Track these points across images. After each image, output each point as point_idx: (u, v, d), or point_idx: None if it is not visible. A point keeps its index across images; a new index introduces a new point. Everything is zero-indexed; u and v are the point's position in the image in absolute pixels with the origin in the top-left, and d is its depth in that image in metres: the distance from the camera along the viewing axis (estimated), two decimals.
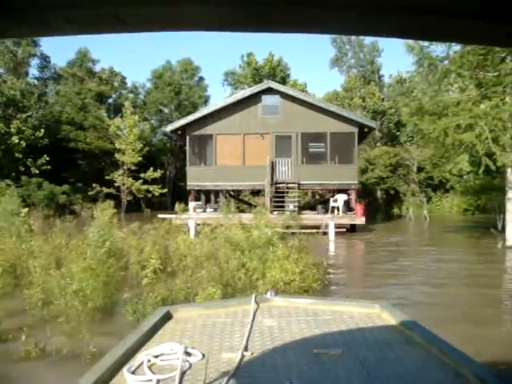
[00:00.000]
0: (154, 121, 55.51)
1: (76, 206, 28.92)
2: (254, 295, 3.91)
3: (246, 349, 2.90)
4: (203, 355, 2.78)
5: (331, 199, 26.71)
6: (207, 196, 29.90)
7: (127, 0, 1.06)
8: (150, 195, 43.16)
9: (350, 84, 56.59)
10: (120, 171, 42.92)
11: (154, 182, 43.53)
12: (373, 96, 53.90)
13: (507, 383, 2.97)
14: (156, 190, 43.09)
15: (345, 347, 2.93)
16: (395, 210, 45.79)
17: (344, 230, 24.94)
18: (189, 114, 31.49)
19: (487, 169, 18.98)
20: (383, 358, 2.78)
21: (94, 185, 40.21)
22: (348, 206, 26.64)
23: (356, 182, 27.38)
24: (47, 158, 39.30)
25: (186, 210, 22.80)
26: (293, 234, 13.78)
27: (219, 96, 70.69)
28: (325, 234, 23.04)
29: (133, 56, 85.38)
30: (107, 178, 42.24)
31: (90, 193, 39.56)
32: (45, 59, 48.34)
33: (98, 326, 7.96)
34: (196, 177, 27.77)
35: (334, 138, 27.28)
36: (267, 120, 27.26)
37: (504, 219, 21.03)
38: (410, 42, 17.88)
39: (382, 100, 54.66)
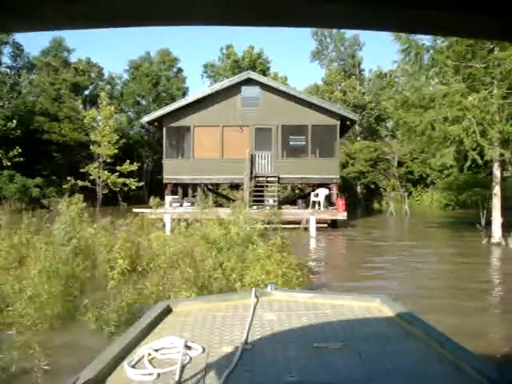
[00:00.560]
0: (131, 113, 54.35)
1: (47, 200, 27.87)
2: (254, 289, 3.88)
3: (246, 342, 2.87)
4: (203, 349, 2.76)
5: (312, 193, 26.10)
6: (185, 190, 29.06)
7: None
8: (126, 189, 42.14)
9: (330, 77, 56.06)
10: (95, 164, 41.77)
11: (131, 175, 42.51)
12: (353, 90, 53.46)
13: (508, 376, 2.76)
14: (132, 183, 42.04)
15: (345, 341, 2.89)
16: (375, 205, 45.52)
17: (325, 225, 24.36)
18: (167, 105, 30.53)
19: (472, 164, 18.52)
20: (383, 351, 2.76)
21: (69, 178, 38.92)
22: (329, 201, 26.04)
23: (337, 176, 26.82)
24: (20, 150, 37.73)
25: (161, 204, 21.93)
26: (274, 229, 13.09)
27: (198, 88, 69.79)
28: (305, 229, 22.46)
29: (110, 46, 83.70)
30: (82, 170, 41.01)
31: (64, 186, 38.18)
32: (18, 48, 46.89)
33: (55, 337, 7.08)
34: (173, 170, 26.96)
35: (315, 131, 26.65)
36: (247, 112, 26.50)
37: (488, 215, 20.63)
38: None
39: (363, 94, 54.21)
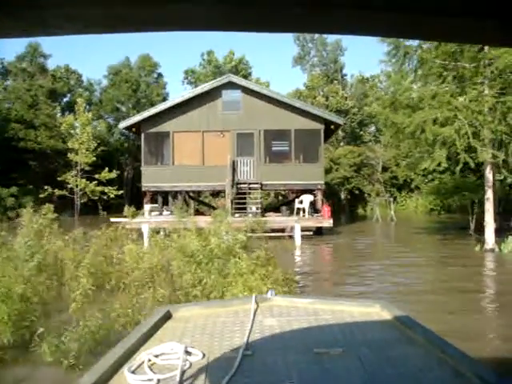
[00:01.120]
0: (110, 119, 53.09)
1: (14, 212, 26.65)
2: (254, 295, 3.88)
3: (246, 348, 2.86)
4: (204, 355, 2.76)
5: (296, 200, 25.32)
6: (165, 198, 28.04)
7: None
8: (106, 197, 41.02)
9: (312, 82, 55.53)
10: (73, 172, 40.65)
11: (110, 183, 41.43)
12: (336, 95, 52.96)
13: (507, 382, 2.75)
14: (111, 191, 40.95)
15: (345, 346, 2.88)
16: (360, 211, 44.87)
17: (311, 233, 23.51)
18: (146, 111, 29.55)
19: (463, 166, 17.87)
20: (383, 357, 2.76)
21: (46, 187, 37.86)
22: (314, 208, 25.22)
23: (322, 182, 26.06)
24: None
25: (137, 214, 20.95)
26: (258, 238, 12.21)
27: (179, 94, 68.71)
28: (290, 237, 21.67)
29: (89, 52, 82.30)
30: (59, 179, 39.89)
31: (41, 195, 37.10)
32: None
33: (3, 372, 6.12)
34: (152, 177, 25.95)
35: (298, 136, 25.84)
36: (228, 116, 25.63)
37: (477, 220, 20.01)
38: None
39: (346, 99, 53.69)
